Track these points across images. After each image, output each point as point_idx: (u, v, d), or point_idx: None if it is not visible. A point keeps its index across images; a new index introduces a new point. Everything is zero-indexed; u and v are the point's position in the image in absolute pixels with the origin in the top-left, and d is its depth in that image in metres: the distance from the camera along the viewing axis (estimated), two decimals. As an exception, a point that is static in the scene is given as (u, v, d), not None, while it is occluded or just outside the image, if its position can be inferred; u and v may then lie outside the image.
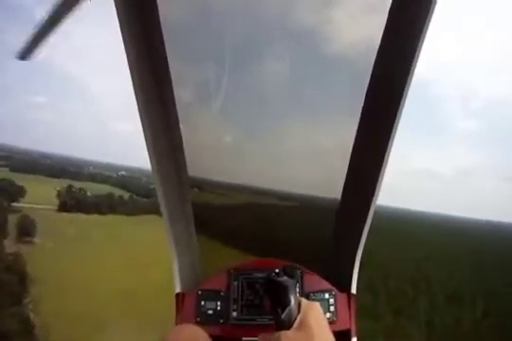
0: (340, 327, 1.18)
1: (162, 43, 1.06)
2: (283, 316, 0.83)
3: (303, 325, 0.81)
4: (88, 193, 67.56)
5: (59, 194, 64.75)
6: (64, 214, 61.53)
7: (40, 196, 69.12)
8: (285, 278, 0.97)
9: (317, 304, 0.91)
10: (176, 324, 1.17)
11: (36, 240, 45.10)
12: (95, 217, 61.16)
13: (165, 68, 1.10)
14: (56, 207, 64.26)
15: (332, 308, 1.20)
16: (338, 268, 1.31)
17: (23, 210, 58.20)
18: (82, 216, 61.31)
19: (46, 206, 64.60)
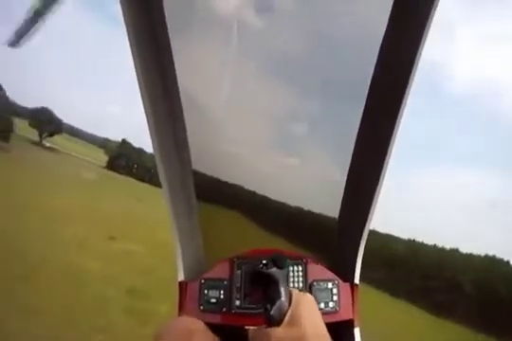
0: (343, 317, 1.20)
1: (166, 33, 1.02)
2: (272, 312, 0.78)
3: (295, 320, 0.76)
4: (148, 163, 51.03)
5: (104, 145, 50.23)
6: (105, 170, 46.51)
7: (89, 153, 57.73)
8: (275, 269, 0.91)
9: (309, 296, 0.85)
10: (179, 312, 1.17)
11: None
12: (141, 184, 43.33)
13: (169, 59, 1.07)
14: (104, 164, 50.87)
15: (335, 297, 1.20)
16: (342, 258, 1.32)
17: (55, 151, 45.29)
18: (125, 178, 45.11)
19: (92, 160, 51.72)
